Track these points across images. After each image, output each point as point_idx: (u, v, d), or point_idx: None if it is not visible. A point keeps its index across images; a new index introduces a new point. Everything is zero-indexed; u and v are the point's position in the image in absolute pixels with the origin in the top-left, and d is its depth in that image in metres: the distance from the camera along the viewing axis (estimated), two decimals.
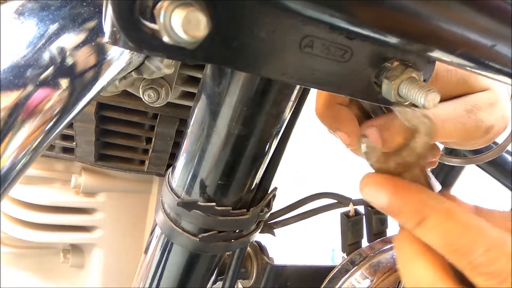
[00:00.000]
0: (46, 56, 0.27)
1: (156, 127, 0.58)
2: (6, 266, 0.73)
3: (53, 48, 0.27)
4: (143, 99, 0.48)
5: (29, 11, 0.28)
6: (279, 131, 0.34)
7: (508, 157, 0.88)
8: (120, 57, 0.30)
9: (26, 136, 0.27)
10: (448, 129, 0.36)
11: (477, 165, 0.92)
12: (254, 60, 0.23)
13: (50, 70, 0.27)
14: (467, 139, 0.37)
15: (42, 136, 0.28)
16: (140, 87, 0.47)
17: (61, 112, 0.28)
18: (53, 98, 0.27)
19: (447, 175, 0.94)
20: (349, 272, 0.49)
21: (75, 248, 0.72)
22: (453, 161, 0.49)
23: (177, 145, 0.61)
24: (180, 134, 0.59)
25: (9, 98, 0.26)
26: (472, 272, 0.23)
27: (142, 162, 0.64)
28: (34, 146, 0.28)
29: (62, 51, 0.27)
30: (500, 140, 0.46)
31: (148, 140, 0.61)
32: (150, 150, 0.61)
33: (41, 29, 0.28)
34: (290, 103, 0.32)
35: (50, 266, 0.74)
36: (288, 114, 0.33)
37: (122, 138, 0.61)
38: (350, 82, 0.26)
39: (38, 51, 0.27)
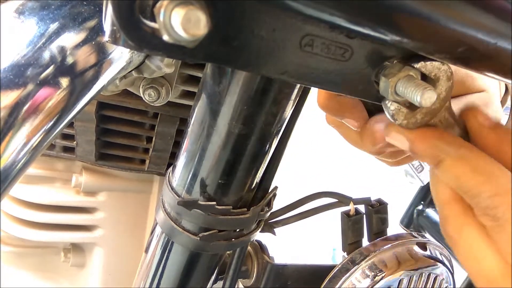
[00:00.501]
0: (46, 55, 0.27)
1: (156, 126, 0.58)
2: (7, 265, 0.73)
3: (54, 47, 0.27)
4: (144, 98, 0.48)
5: (29, 10, 0.29)
6: (280, 130, 0.34)
7: None
8: (120, 56, 0.30)
9: (26, 135, 0.27)
10: None
11: None
12: (254, 59, 0.23)
13: (50, 69, 0.27)
14: None
15: (42, 135, 0.28)
16: (141, 86, 0.47)
17: (61, 111, 0.28)
18: (54, 97, 0.27)
19: None
20: (350, 271, 0.49)
21: (76, 248, 0.72)
22: None
23: (177, 144, 0.61)
24: (181, 133, 0.59)
25: (10, 97, 0.26)
26: (478, 211, 0.27)
27: (143, 161, 0.64)
28: (34, 145, 0.28)
29: (62, 50, 0.27)
30: None
31: (149, 139, 0.62)
32: (151, 149, 0.61)
33: (42, 28, 0.28)
34: (291, 102, 0.32)
35: (51, 265, 0.74)
36: (289, 113, 0.33)
37: (122, 137, 0.61)
38: (351, 81, 0.26)
39: (38, 50, 0.27)
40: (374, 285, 0.48)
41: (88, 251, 0.72)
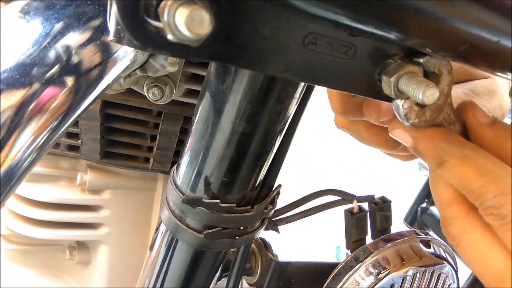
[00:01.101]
0: (51, 54, 0.27)
1: (160, 125, 0.58)
2: (12, 263, 0.74)
3: (59, 46, 0.28)
4: (148, 97, 0.48)
5: (34, 10, 0.29)
6: (283, 128, 0.35)
7: None
8: (124, 55, 0.30)
9: (32, 134, 0.28)
10: None
11: None
12: (257, 58, 0.23)
13: (55, 68, 0.27)
14: None
15: (48, 134, 0.28)
16: (145, 85, 0.47)
17: (66, 110, 0.28)
18: (59, 96, 0.28)
19: None
20: (353, 269, 0.49)
21: (81, 245, 0.72)
22: None
23: (181, 143, 0.61)
24: (185, 131, 0.60)
25: (16, 96, 0.26)
26: (483, 211, 0.26)
27: (147, 160, 0.64)
28: (40, 144, 0.28)
29: (67, 49, 0.28)
30: None
31: (153, 138, 0.62)
32: (155, 147, 0.61)
33: (47, 28, 0.28)
34: (294, 100, 0.32)
35: (56, 263, 0.75)
36: (292, 111, 0.33)
37: (127, 136, 0.61)
38: (354, 78, 0.26)
39: (43, 50, 0.27)
40: (377, 283, 0.48)
41: (93, 249, 0.72)
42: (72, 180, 0.66)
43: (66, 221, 0.66)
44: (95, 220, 0.68)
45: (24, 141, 0.27)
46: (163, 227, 0.41)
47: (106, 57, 0.29)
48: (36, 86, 0.27)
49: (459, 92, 0.38)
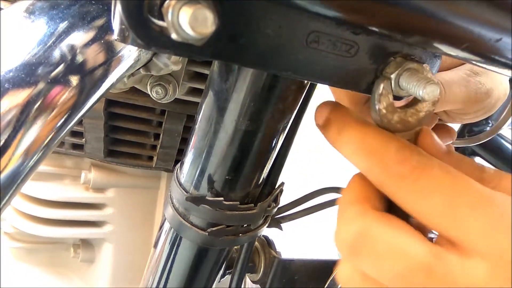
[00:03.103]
0: (56, 54, 0.28)
1: (164, 123, 0.59)
2: (17, 261, 0.74)
3: (63, 46, 0.28)
4: (151, 96, 0.48)
5: (39, 10, 0.29)
6: (286, 126, 0.35)
7: (509, 147, 0.88)
8: (128, 55, 0.30)
9: (37, 133, 0.28)
10: (454, 91, 0.37)
11: (479, 155, 0.92)
12: (260, 56, 0.23)
13: (60, 67, 0.28)
14: (471, 102, 0.38)
15: (53, 133, 0.29)
16: (148, 83, 0.48)
17: (71, 109, 0.28)
18: (64, 95, 0.28)
19: None
20: None
21: (85, 243, 0.73)
22: (455, 142, 0.51)
23: (184, 141, 0.61)
24: (188, 130, 0.60)
25: (21, 95, 0.27)
26: (387, 179, 0.24)
27: (150, 158, 0.65)
28: (45, 142, 0.28)
29: (72, 49, 0.28)
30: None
31: (156, 136, 0.62)
32: (158, 146, 0.62)
33: (51, 28, 0.28)
34: (297, 98, 0.32)
35: (61, 261, 0.75)
36: (295, 109, 0.34)
37: (130, 134, 0.61)
38: (356, 77, 0.26)
39: (48, 49, 0.27)
40: None
41: (98, 247, 0.73)
42: (76, 178, 0.66)
43: (70, 219, 0.67)
44: (99, 218, 0.69)
45: (29, 140, 0.28)
46: (167, 225, 0.41)
47: (111, 56, 0.29)
48: (41, 85, 0.27)
49: (460, 74, 0.38)
